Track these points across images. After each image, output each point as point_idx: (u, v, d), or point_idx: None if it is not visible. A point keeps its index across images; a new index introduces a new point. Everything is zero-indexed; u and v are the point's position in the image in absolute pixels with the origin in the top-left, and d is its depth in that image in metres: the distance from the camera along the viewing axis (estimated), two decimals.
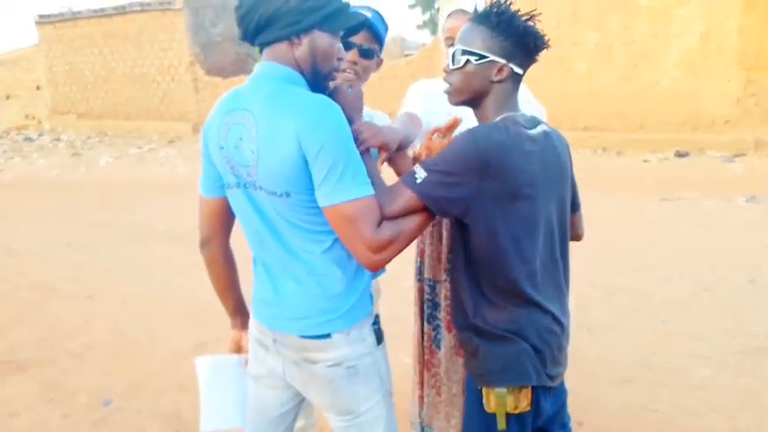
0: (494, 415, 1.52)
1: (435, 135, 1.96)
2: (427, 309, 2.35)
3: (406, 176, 1.51)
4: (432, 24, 24.13)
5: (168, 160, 13.31)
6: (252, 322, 1.67)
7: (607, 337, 3.74)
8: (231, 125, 1.45)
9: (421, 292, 2.38)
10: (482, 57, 1.53)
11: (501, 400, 1.51)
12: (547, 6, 11.25)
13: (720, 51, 10.14)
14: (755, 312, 3.97)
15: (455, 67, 1.58)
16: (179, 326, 4.15)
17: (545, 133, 1.60)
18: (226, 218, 1.65)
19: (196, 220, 1.68)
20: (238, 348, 1.83)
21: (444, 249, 2.24)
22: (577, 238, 1.87)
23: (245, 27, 1.46)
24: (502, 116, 1.57)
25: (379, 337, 1.58)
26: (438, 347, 2.30)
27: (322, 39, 1.47)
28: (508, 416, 1.52)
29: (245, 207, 1.51)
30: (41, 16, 16.86)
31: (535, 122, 1.61)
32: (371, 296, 1.58)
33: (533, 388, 1.52)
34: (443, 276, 2.27)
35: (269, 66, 1.47)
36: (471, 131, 1.50)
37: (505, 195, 1.48)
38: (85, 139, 16.93)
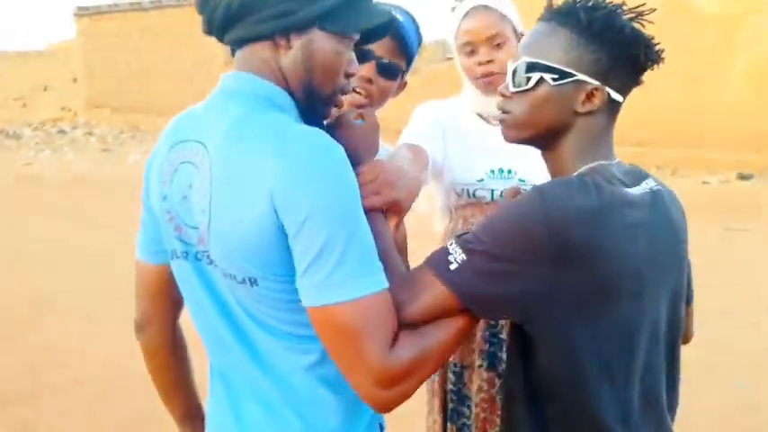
0: None
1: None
2: (451, 403, 1.78)
3: (436, 259, 0.98)
4: None
5: None
6: None
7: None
8: (178, 165, 1.00)
9: (443, 380, 1.80)
10: (564, 74, 1.00)
11: None
12: None
13: None
14: None
15: (519, 89, 1.03)
16: None
17: (653, 193, 1.05)
18: (173, 291, 1.16)
19: None
20: None
21: (481, 323, 1.68)
22: (686, 340, 1.28)
23: (209, 15, 0.98)
24: (588, 166, 1.04)
25: None
26: None
27: (324, 42, 0.97)
28: None
29: (196, 288, 1.04)
30: (80, 8, 17.21)
31: (638, 176, 1.08)
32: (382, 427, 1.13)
33: None
34: (477, 361, 1.70)
35: (240, 78, 1.00)
36: (539, 191, 0.96)
37: (593, 295, 0.94)
38: (118, 133, 17.08)
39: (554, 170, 1.09)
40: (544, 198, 0.93)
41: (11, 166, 12.85)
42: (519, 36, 1.63)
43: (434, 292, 0.94)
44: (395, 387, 0.90)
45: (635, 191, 1.01)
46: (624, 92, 1.03)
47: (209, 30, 1.01)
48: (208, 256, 0.98)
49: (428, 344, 0.93)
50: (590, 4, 0.99)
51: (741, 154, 9.89)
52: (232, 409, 1.08)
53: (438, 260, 0.96)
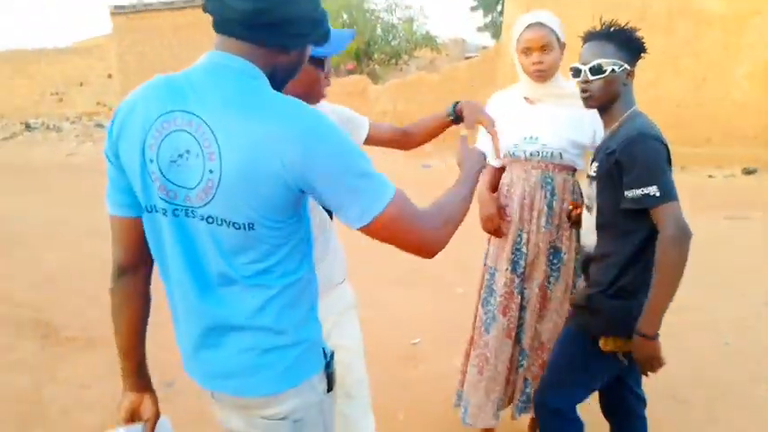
0: (592, 354, 1.93)
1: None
2: (484, 293, 2.51)
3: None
4: (493, 27, 24.02)
5: None
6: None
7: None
8: (167, 134, 1.12)
9: (483, 276, 2.54)
10: (618, 66, 1.85)
11: (612, 345, 1.89)
12: (614, 11, 11.03)
13: None
14: None
15: (598, 77, 1.86)
16: None
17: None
18: (146, 242, 1.27)
19: None
20: (134, 416, 1.44)
21: (510, 241, 2.38)
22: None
23: (252, 16, 1.10)
24: (631, 110, 1.92)
25: (331, 383, 1.34)
26: (487, 331, 2.45)
27: (308, 54, 1.28)
28: (615, 354, 1.91)
29: (169, 239, 1.19)
30: (116, 7, 17.57)
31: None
32: (322, 340, 1.34)
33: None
34: (505, 266, 2.40)
35: (233, 60, 1.14)
36: (643, 139, 1.80)
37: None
38: None
39: (610, 119, 1.94)
40: (648, 138, 1.79)
41: (56, 155, 13.48)
42: (562, 45, 2.31)
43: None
44: (437, 245, 1.20)
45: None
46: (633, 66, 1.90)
47: (225, 29, 1.15)
48: (193, 211, 1.12)
49: (448, 211, 1.25)
50: (616, 28, 1.87)
51: (746, 150, 10.13)
52: (192, 338, 1.26)
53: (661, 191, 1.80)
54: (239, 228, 1.11)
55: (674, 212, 1.76)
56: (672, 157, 1.84)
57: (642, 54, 1.90)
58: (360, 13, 16.98)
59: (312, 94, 1.61)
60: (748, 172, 9.82)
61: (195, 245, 1.16)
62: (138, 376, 1.42)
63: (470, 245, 3.25)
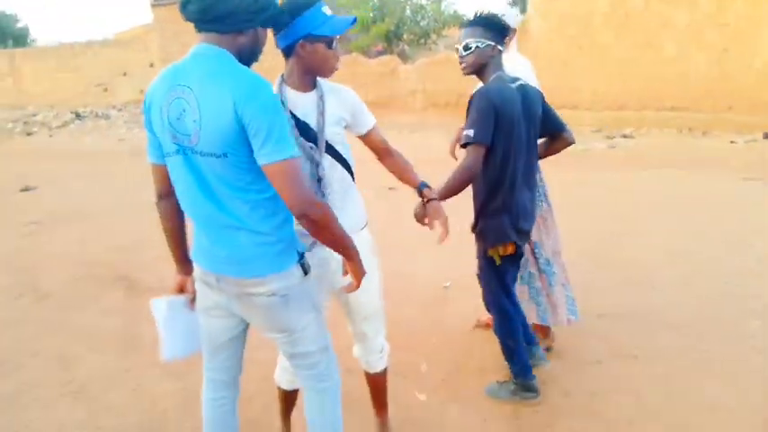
0: (492, 263, 2.71)
1: None
2: None
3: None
4: (522, 2, 23.96)
5: None
6: (195, 266, 1.91)
7: (669, 293, 4.13)
8: (173, 100, 1.64)
9: None
10: (485, 44, 2.53)
11: (495, 252, 2.66)
12: None
13: None
14: None
15: (468, 53, 2.56)
16: None
17: (521, 86, 2.60)
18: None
19: None
20: (182, 290, 2.05)
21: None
22: (570, 143, 2.90)
23: (203, 13, 1.63)
24: (495, 74, 2.57)
25: (306, 270, 1.83)
26: None
27: (263, 33, 1.77)
28: (502, 257, 2.67)
29: (183, 171, 1.70)
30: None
31: (514, 79, 2.61)
32: (298, 242, 1.85)
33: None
34: None
35: (209, 47, 1.65)
36: (479, 95, 2.49)
37: (506, 125, 2.47)
38: None
39: (484, 81, 2.60)
40: (487, 91, 2.45)
41: (108, 141, 14.25)
42: (513, 30, 3.08)
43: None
44: (313, 204, 1.61)
45: (513, 84, 2.55)
46: (502, 45, 2.57)
47: (194, 19, 1.64)
48: (193, 149, 1.64)
49: (325, 207, 1.68)
50: (483, 15, 2.55)
51: (767, 116, 10.39)
52: (208, 237, 1.78)
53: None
54: (218, 156, 1.62)
55: (475, 151, 2.46)
56: (512, 112, 2.50)
57: (507, 35, 2.64)
58: None
59: (325, 68, 2.04)
60: None
61: (200, 172, 1.68)
62: (184, 264, 2.02)
63: None
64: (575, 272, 4.55)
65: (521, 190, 2.62)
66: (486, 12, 2.58)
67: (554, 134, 2.82)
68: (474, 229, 2.72)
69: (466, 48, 2.55)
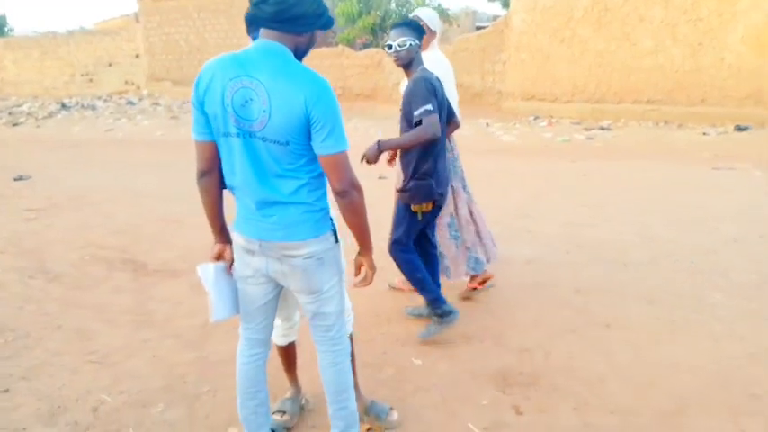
0: (410, 214, 3.29)
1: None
2: None
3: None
4: None
5: None
6: (237, 236, 2.11)
7: (640, 270, 4.50)
8: (237, 89, 1.83)
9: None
10: (412, 41, 3.12)
11: (419, 208, 3.24)
12: None
13: None
14: None
15: (402, 48, 3.12)
16: None
17: (436, 78, 3.21)
18: (218, 156, 2.02)
19: None
20: (221, 257, 2.21)
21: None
22: (457, 126, 3.62)
23: (278, 14, 1.84)
24: (420, 68, 3.18)
25: (336, 238, 2.10)
26: None
27: (318, 34, 2.02)
28: (423, 213, 3.28)
29: (240, 152, 1.90)
30: None
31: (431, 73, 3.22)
32: (329, 212, 2.12)
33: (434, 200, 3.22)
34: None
35: (272, 44, 1.87)
36: (413, 83, 3.11)
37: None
38: (181, 104, 18.33)
39: (409, 74, 3.21)
40: (429, 77, 3.12)
41: (96, 132, 14.31)
42: (432, 31, 3.74)
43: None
44: (356, 188, 1.97)
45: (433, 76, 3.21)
46: (421, 42, 3.22)
47: (262, 18, 1.86)
48: (255, 134, 1.85)
49: (359, 194, 2.01)
50: (410, 19, 3.33)
51: (738, 109, 10.82)
52: (258, 209, 1.98)
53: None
54: (281, 144, 1.86)
55: (434, 119, 3.01)
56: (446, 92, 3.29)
57: (424, 34, 3.23)
58: None
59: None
60: (740, 129, 10.50)
61: (257, 154, 1.90)
62: (222, 233, 2.20)
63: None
64: (552, 249, 4.92)
65: (442, 158, 3.28)
66: (412, 16, 3.52)
67: (448, 119, 3.43)
68: (404, 189, 3.27)
69: (401, 44, 3.12)
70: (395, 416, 2.69)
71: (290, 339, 2.70)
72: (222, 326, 3.71)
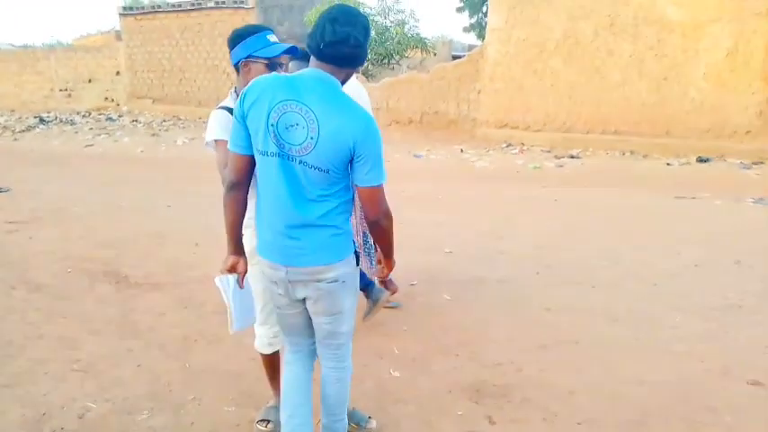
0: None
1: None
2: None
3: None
4: (479, 27, 24.65)
5: None
6: (265, 265, 2.15)
7: (607, 291, 4.70)
8: (285, 111, 1.88)
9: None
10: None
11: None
12: (587, 17, 12.20)
13: (746, 66, 10.83)
14: (734, 284, 4.82)
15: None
16: None
17: None
18: (251, 169, 2.05)
19: None
20: (234, 269, 2.20)
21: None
22: None
23: (346, 55, 1.92)
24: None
25: (357, 261, 2.18)
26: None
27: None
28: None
29: (277, 172, 1.94)
30: (125, 8, 18.30)
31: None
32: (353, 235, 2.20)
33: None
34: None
35: (326, 75, 1.94)
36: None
37: None
38: (161, 121, 18.26)
39: None
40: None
41: (75, 147, 14.19)
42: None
43: None
44: (387, 217, 2.07)
45: None
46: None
47: (326, 52, 1.91)
48: (295, 158, 1.90)
49: (388, 224, 2.11)
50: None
51: (701, 141, 11.27)
52: (288, 233, 2.02)
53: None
54: (321, 171, 1.92)
55: None
56: None
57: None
58: None
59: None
60: (702, 161, 10.94)
61: (295, 177, 1.94)
62: (237, 246, 2.20)
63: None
64: (524, 270, 5.12)
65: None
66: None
67: None
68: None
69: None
70: (373, 423, 2.82)
71: (276, 348, 2.78)
72: (205, 336, 3.83)
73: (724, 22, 10.90)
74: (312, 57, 1.97)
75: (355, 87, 3.82)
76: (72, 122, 18.37)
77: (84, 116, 19.51)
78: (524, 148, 13.00)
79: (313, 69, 1.95)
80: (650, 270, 5.20)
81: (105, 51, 20.23)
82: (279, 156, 1.91)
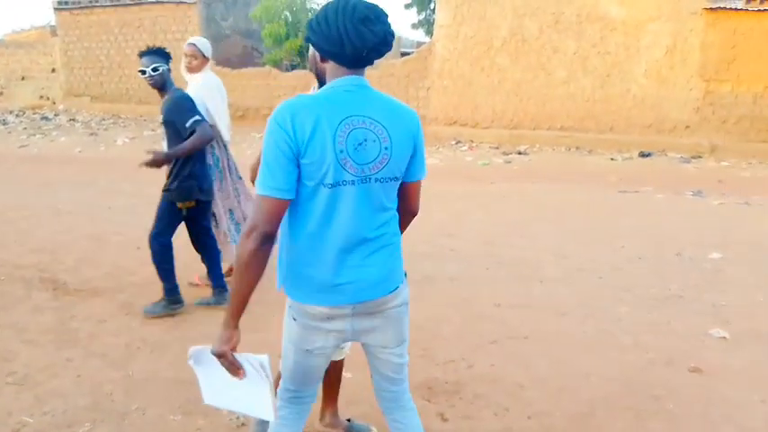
0: (173, 210, 3.97)
1: None
2: None
3: None
4: (427, 24, 24.81)
5: None
6: (312, 308, 1.76)
7: (554, 286, 4.81)
8: (350, 131, 1.64)
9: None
10: (164, 66, 3.81)
11: (184, 205, 3.97)
12: (532, 15, 12.42)
13: (684, 64, 11.30)
14: (675, 275, 5.05)
15: (156, 73, 3.76)
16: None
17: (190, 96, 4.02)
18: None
19: None
20: (234, 348, 1.72)
21: None
22: None
23: (380, 53, 1.70)
24: (173, 89, 3.92)
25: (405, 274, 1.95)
26: None
27: None
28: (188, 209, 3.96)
29: (352, 199, 1.70)
30: (60, 2, 17.61)
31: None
32: None
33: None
34: None
35: (365, 81, 1.76)
36: (172, 98, 3.90)
37: None
38: (100, 120, 17.70)
39: (165, 94, 3.95)
40: (186, 95, 4.01)
41: (8, 147, 13.58)
42: (206, 57, 4.39)
43: None
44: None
45: None
46: (169, 66, 3.90)
47: (360, 65, 1.72)
48: (371, 177, 1.69)
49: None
50: (156, 49, 3.93)
51: (643, 137, 11.70)
52: (353, 265, 1.75)
53: None
54: (394, 179, 1.77)
55: (205, 129, 3.75)
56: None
57: (170, 59, 3.83)
58: (302, 11, 17.71)
59: None
60: (644, 155, 11.35)
61: (371, 197, 1.72)
62: (239, 317, 1.73)
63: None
64: (473, 267, 5.17)
65: (201, 162, 3.93)
66: (189, 42, 4.30)
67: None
68: (168, 189, 3.90)
69: (155, 69, 3.69)
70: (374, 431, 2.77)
71: None
72: (148, 343, 3.71)
73: (663, 20, 11.31)
74: (335, 65, 1.73)
75: (209, 80, 4.20)
76: (4, 122, 17.65)
77: (17, 115, 18.76)
78: (473, 144, 13.16)
79: (350, 78, 1.71)
80: (595, 264, 5.34)
81: (39, 47, 19.45)
82: (355, 182, 1.67)
